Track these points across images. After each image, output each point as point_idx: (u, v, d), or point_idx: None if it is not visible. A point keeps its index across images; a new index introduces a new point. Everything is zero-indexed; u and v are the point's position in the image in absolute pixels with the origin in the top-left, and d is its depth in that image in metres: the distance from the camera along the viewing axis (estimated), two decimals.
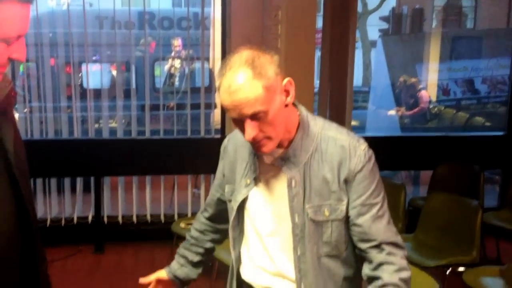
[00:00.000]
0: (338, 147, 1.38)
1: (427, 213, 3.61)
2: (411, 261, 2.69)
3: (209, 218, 1.72)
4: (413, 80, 7.89)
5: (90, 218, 4.73)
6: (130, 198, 4.87)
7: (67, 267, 4.20)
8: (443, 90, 8.12)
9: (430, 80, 8.30)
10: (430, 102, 7.87)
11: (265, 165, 1.44)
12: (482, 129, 7.34)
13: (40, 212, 4.60)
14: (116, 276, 4.09)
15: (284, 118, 1.34)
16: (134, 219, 4.81)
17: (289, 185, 1.38)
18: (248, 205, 1.47)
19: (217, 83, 1.30)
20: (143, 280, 1.66)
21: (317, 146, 1.39)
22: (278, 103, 1.30)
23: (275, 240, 1.44)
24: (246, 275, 1.55)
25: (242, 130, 1.31)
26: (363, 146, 1.40)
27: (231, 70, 1.26)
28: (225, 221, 1.63)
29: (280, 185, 1.41)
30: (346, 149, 1.37)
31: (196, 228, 1.74)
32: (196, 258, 1.73)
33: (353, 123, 5.18)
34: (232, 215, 1.51)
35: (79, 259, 4.40)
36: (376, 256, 1.37)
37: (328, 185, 1.37)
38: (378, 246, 1.37)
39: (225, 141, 1.60)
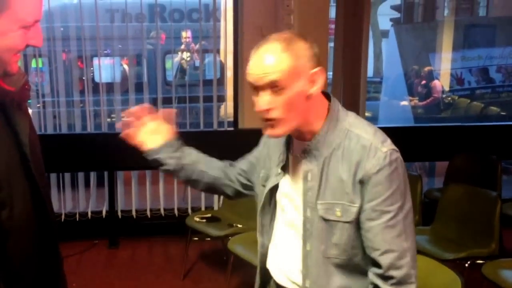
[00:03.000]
0: (359, 146, 1.32)
1: (444, 205, 3.56)
2: (429, 254, 2.64)
3: (231, 165, 1.68)
4: (426, 69, 7.80)
5: (104, 212, 4.74)
6: (144, 192, 4.86)
7: (82, 262, 4.21)
8: (456, 79, 8.01)
9: (443, 69, 8.19)
10: (443, 91, 7.78)
11: (293, 156, 1.43)
12: (497, 119, 7.24)
13: (54, 207, 4.59)
14: (131, 270, 4.09)
15: (303, 108, 1.31)
16: (148, 213, 4.81)
17: (305, 178, 1.37)
18: (278, 194, 1.47)
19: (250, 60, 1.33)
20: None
21: (341, 142, 1.35)
22: (300, 88, 1.29)
23: (292, 231, 1.44)
24: (269, 262, 1.54)
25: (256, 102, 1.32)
26: (385, 148, 1.31)
27: (267, 41, 1.30)
28: (232, 181, 1.65)
29: (300, 177, 1.40)
30: (366, 148, 1.31)
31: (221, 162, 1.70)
32: (188, 160, 1.64)
33: (366, 114, 5.12)
34: (261, 201, 1.50)
35: (94, 254, 4.41)
36: (377, 273, 1.33)
37: (343, 185, 1.33)
38: (383, 275, 1.31)
39: None
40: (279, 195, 1.47)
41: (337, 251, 1.35)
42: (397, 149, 1.34)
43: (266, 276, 1.56)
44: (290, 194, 1.44)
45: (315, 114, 1.36)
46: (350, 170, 1.32)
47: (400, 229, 1.30)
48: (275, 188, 1.47)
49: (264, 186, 1.52)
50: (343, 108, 1.41)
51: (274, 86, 1.27)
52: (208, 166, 1.66)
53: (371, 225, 1.31)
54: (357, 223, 1.34)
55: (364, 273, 1.37)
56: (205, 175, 1.65)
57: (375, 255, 1.31)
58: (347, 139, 1.35)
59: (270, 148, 1.54)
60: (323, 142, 1.36)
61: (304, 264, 1.40)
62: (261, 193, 1.52)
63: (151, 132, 1.61)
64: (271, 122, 1.31)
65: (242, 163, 1.66)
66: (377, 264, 1.32)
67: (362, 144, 1.32)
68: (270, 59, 1.27)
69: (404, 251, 1.30)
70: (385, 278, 1.31)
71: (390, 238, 1.30)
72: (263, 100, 1.29)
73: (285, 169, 1.45)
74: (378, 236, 1.30)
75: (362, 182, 1.31)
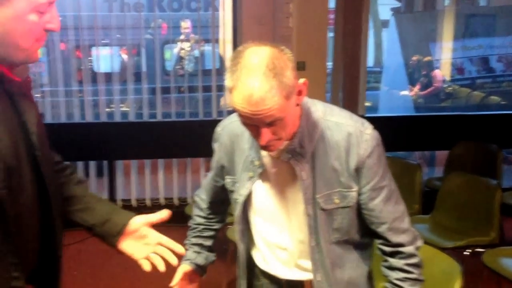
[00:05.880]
0: (344, 133, 1.34)
1: (445, 193, 3.55)
2: (429, 243, 2.63)
3: (211, 204, 1.70)
4: (427, 59, 7.76)
5: None
6: (143, 181, 4.86)
7: (83, 251, 4.20)
8: (457, 69, 7.98)
9: (444, 59, 8.15)
10: (444, 81, 7.75)
11: (269, 158, 1.40)
12: (498, 108, 7.23)
13: None
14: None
15: (294, 116, 1.30)
16: (148, 202, 4.81)
17: (301, 178, 1.35)
18: (253, 198, 1.45)
19: (230, 83, 1.20)
20: (173, 284, 1.62)
21: (321, 134, 1.35)
22: (293, 106, 1.26)
23: (286, 234, 1.45)
24: (261, 265, 1.55)
25: (255, 134, 1.27)
26: (369, 129, 1.36)
27: (251, 76, 1.16)
28: (226, 203, 1.65)
29: (289, 178, 1.38)
30: (352, 135, 1.34)
31: (199, 215, 1.73)
32: (209, 242, 1.73)
33: (366, 104, 5.10)
34: (237, 209, 1.49)
35: (95, 243, 4.38)
36: (385, 249, 1.42)
37: (337, 174, 1.35)
38: (386, 238, 1.39)
39: (218, 129, 1.54)
40: (256, 199, 1.45)
41: (339, 234, 1.40)
42: (373, 126, 1.38)
43: (253, 276, 1.58)
44: (276, 197, 1.42)
45: (296, 114, 1.32)
46: (340, 158, 1.34)
47: (395, 196, 1.40)
48: (249, 194, 1.45)
49: (232, 191, 1.51)
50: (307, 97, 1.36)
51: (275, 122, 1.22)
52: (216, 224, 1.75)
53: (375, 203, 1.37)
54: (355, 206, 1.38)
55: (357, 245, 1.45)
56: (221, 225, 1.77)
57: (382, 229, 1.39)
58: (327, 129, 1.35)
59: (228, 153, 1.50)
60: (304, 138, 1.34)
61: (313, 259, 1.41)
62: (233, 200, 1.52)
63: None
64: (273, 143, 1.28)
65: (216, 177, 1.61)
66: (382, 237, 1.40)
67: (346, 131, 1.34)
68: (268, 104, 1.17)
69: (403, 213, 1.41)
70: (394, 253, 1.40)
71: (392, 207, 1.38)
72: (267, 135, 1.24)
73: (259, 172, 1.42)
74: (383, 212, 1.37)
75: (357, 167, 1.34)
